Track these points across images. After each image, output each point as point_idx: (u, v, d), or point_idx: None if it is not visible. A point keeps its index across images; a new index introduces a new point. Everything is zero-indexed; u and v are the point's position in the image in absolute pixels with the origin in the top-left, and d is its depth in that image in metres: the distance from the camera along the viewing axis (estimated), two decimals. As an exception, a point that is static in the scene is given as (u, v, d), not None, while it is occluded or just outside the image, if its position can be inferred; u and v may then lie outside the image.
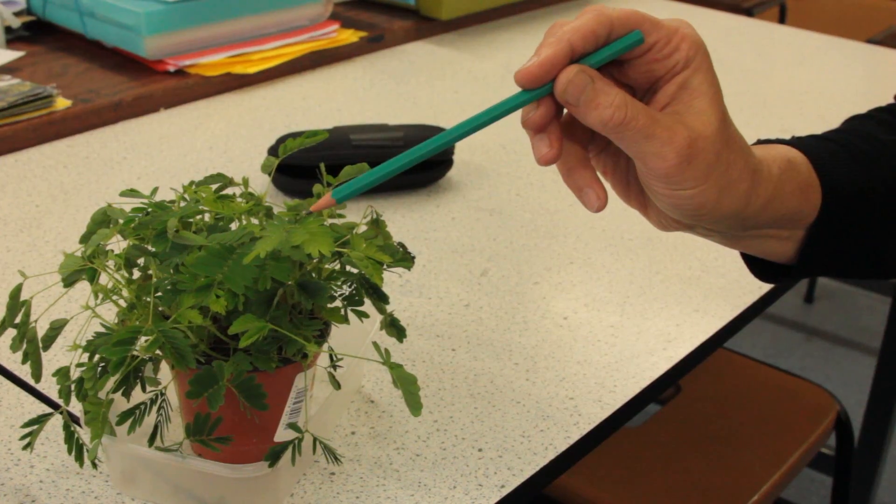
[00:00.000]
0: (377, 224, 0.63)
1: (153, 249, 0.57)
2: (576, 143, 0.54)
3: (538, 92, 0.51)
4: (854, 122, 0.65)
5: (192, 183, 0.62)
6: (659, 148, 0.50)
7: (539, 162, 0.52)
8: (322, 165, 0.63)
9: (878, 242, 0.60)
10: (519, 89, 0.51)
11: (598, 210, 0.54)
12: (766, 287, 0.86)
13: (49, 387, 0.65)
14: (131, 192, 0.62)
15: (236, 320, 0.54)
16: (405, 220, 0.95)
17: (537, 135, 0.52)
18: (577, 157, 0.55)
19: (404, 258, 0.62)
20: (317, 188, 0.63)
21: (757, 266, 0.63)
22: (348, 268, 0.61)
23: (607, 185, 0.56)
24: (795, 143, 0.60)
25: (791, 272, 0.61)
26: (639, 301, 0.84)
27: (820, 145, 0.60)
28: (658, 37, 0.52)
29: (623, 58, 0.52)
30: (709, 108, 0.52)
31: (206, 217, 0.61)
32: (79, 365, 0.57)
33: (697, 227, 0.56)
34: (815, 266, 0.60)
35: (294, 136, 0.80)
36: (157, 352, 0.55)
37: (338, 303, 0.62)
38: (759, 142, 0.61)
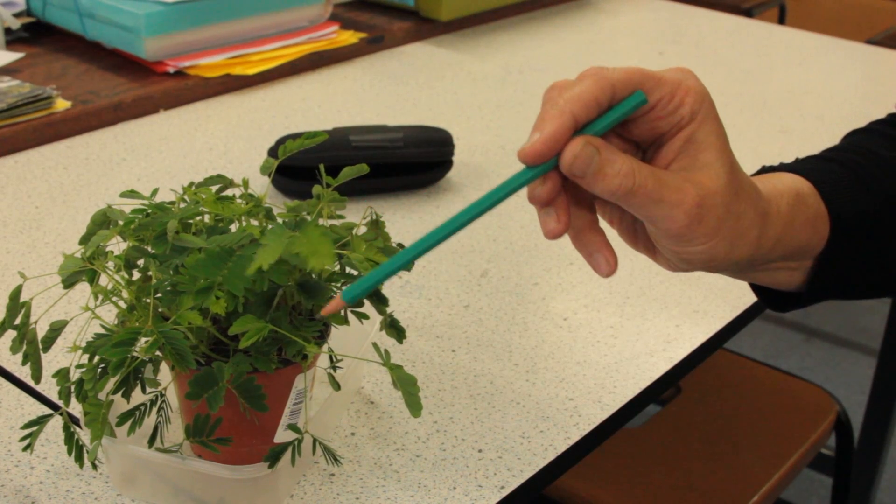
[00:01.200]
0: (377, 225, 0.63)
1: (153, 251, 0.57)
2: (583, 208, 0.53)
3: (543, 168, 0.50)
4: (855, 138, 0.65)
5: (191, 184, 0.62)
6: (668, 211, 0.50)
7: (547, 236, 0.52)
8: (322, 166, 0.63)
9: (885, 261, 0.59)
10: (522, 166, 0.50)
11: (608, 275, 0.53)
12: (765, 288, 0.86)
13: (49, 388, 0.65)
14: (131, 194, 0.62)
15: (236, 321, 0.54)
16: (405, 221, 0.95)
17: (544, 209, 0.51)
18: (585, 221, 0.54)
19: (404, 259, 0.62)
20: (316, 189, 0.63)
21: (765, 295, 0.63)
22: (348, 269, 0.61)
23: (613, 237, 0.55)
24: (800, 168, 0.59)
25: (800, 300, 0.61)
26: (639, 302, 0.84)
27: (825, 169, 0.59)
28: (661, 94, 0.50)
29: (627, 118, 0.51)
30: (716, 161, 0.51)
31: (206, 218, 0.61)
32: (79, 366, 0.57)
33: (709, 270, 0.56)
34: (824, 292, 0.60)
35: (294, 137, 0.80)
36: (157, 353, 0.55)
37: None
38: (764, 169, 0.60)
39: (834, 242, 0.57)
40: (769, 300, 0.63)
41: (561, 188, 0.51)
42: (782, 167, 0.61)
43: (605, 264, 0.53)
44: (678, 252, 0.53)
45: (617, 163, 0.49)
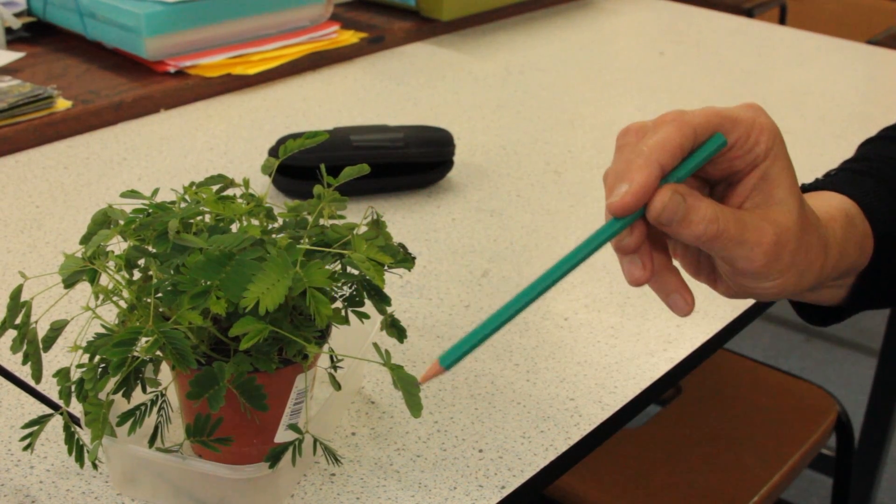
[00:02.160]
0: (378, 225, 0.63)
1: (154, 250, 0.57)
2: (659, 250, 0.54)
3: (630, 218, 0.50)
4: (875, 148, 0.65)
5: (192, 184, 0.62)
6: (749, 252, 0.51)
7: (632, 284, 0.52)
8: (322, 166, 0.63)
9: None
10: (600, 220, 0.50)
11: (686, 315, 0.54)
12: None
13: (49, 388, 0.65)
14: (132, 193, 0.62)
15: (237, 322, 0.54)
16: (406, 221, 0.95)
17: (628, 256, 0.52)
18: (662, 263, 0.54)
19: (405, 259, 0.62)
20: (317, 189, 0.63)
21: (805, 310, 0.64)
22: (349, 269, 0.61)
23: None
24: (842, 187, 0.60)
25: (841, 315, 0.62)
26: (639, 302, 0.84)
27: (864, 187, 0.60)
28: (738, 135, 0.51)
29: None
30: (789, 197, 0.52)
31: (207, 218, 0.61)
32: (79, 366, 0.57)
33: None
34: (863, 305, 0.61)
35: (294, 136, 0.80)
36: (158, 353, 0.55)
37: (338, 304, 0.62)
38: (807, 188, 0.61)
39: (877, 259, 0.59)
40: (809, 315, 0.64)
41: (646, 237, 0.51)
42: (823, 184, 0.62)
43: (684, 304, 0.54)
44: (751, 288, 0.53)
45: (702, 209, 0.50)
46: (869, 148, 0.66)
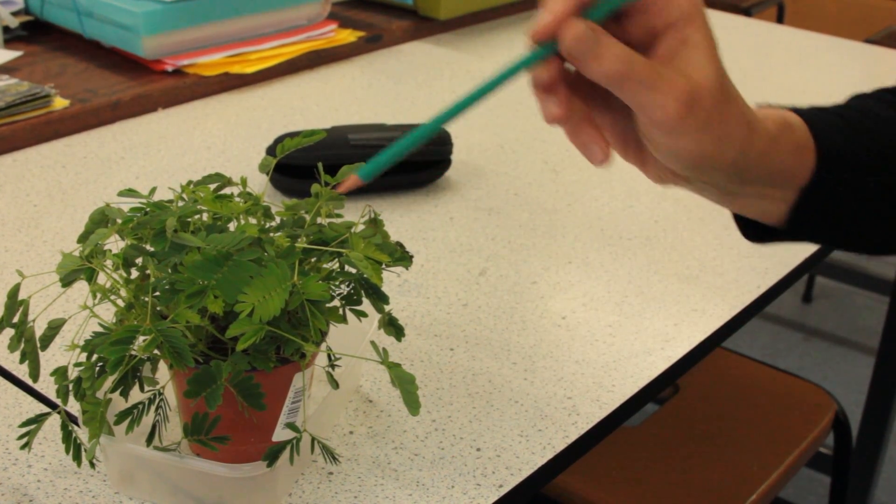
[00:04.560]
0: (375, 223, 0.63)
1: (151, 249, 0.57)
2: (580, 101, 0.55)
3: (544, 51, 0.51)
4: (857, 99, 0.66)
5: (190, 182, 0.62)
6: (660, 98, 0.51)
7: (548, 121, 0.53)
8: (320, 165, 0.63)
9: (869, 215, 0.60)
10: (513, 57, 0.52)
11: (602, 163, 0.55)
12: (764, 286, 0.87)
13: (47, 386, 0.65)
14: (129, 192, 0.62)
15: (234, 323, 0.54)
16: (403, 219, 0.95)
17: (546, 95, 0.53)
18: (582, 115, 0.55)
19: (402, 257, 0.62)
20: (315, 188, 0.63)
21: (747, 227, 0.63)
22: (347, 267, 0.61)
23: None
24: (793, 109, 0.61)
25: (780, 234, 0.62)
26: (637, 300, 0.84)
27: (818, 112, 0.61)
28: None
29: (622, 11, 0.53)
30: (707, 63, 0.52)
31: (205, 217, 0.61)
32: (77, 364, 0.57)
33: (694, 181, 0.57)
34: (804, 230, 0.61)
35: (292, 135, 0.80)
36: (156, 351, 0.55)
37: (336, 302, 0.62)
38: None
39: (819, 176, 0.58)
40: (750, 233, 0.63)
41: (561, 74, 0.52)
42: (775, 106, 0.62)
43: (600, 152, 0.54)
44: (668, 146, 0.53)
45: (613, 47, 0.50)
46: (853, 99, 0.66)
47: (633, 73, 0.51)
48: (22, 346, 0.59)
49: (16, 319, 0.59)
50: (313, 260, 0.60)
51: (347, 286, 0.62)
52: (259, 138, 1.09)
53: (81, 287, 0.61)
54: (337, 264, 0.61)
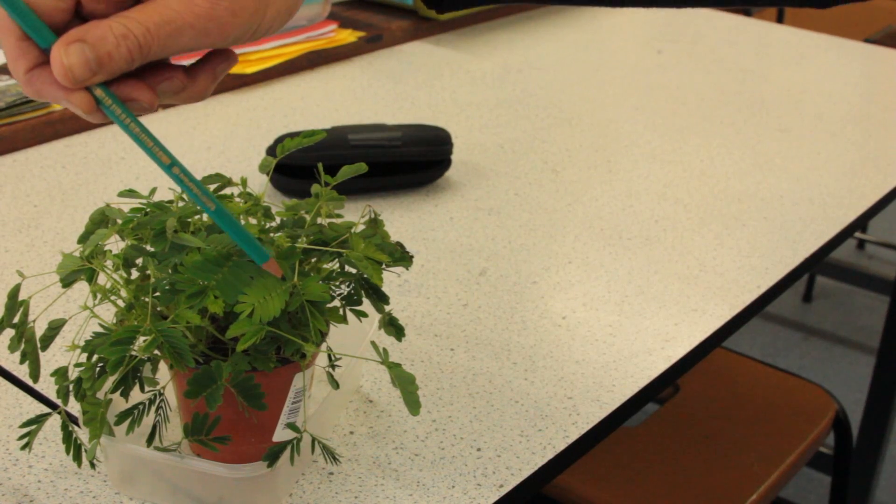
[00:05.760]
0: (375, 223, 0.63)
1: (151, 249, 0.57)
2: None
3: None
4: None
5: (190, 183, 0.62)
6: (216, 26, 0.44)
7: (87, 112, 0.45)
8: (320, 165, 0.63)
9: None
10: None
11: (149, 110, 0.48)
12: (764, 286, 0.86)
13: (47, 387, 0.65)
14: (129, 193, 0.62)
15: (234, 323, 0.54)
16: (403, 219, 0.95)
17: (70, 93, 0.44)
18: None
19: (403, 257, 0.62)
20: (315, 188, 0.63)
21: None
22: (347, 268, 0.61)
23: None
24: None
25: (456, 3, 0.57)
26: (637, 300, 0.84)
27: None
28: None
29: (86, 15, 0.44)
30: None
31: (205, 217, 0.61)
32: (77, 365, 0.57)
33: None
34: None
35: (292, 135, 0.80)
36: (156, 352, 0.55)
37: (336, 302, 0.62)
38: None
39: None
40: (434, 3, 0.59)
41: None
42: None
43: (139, 107, 0.47)
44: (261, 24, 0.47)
45: (107, 36, 0.42)
46: None
47: (151, 38, 0.42)
48: (22, 346, 0.59)
49: (16, 320, 0.59)
50: (313, 260, 0.60)
51: (347, 286, 0.62)
52: (259, 138, 1.09)
53: (82, 287, 0.61)
54: (337, 264, 0.61)
